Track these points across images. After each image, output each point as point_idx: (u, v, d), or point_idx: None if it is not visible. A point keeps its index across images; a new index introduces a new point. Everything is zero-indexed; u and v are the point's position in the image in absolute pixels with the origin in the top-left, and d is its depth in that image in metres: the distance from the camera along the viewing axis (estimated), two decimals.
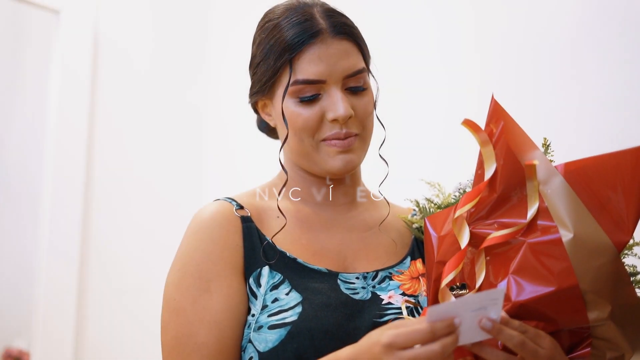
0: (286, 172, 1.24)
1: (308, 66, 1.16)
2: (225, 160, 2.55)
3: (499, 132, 1.03)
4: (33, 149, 2.28)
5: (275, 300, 1.14)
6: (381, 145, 1.26)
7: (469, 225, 1.06)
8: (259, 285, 1.15)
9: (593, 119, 1.66)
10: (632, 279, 1.07)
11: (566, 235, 0.97)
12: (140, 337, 2.25)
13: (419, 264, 1.25)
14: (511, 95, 1.80)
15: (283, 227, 1.20)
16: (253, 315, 1.14)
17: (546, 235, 0.99)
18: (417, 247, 1.28)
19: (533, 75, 1.76)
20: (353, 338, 1.09)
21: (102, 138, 2.36)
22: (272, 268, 1.17)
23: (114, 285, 2.32)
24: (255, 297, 1.15)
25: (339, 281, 1.18)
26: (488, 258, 1.05)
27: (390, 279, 1.21)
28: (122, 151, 2.42)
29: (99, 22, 2.39)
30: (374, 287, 1.20)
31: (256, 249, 1.18)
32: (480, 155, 1.06)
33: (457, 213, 1.05)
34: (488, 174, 1.04)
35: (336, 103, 1.16)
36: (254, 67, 1.24)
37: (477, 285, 1.05)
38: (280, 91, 1.19)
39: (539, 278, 0.98)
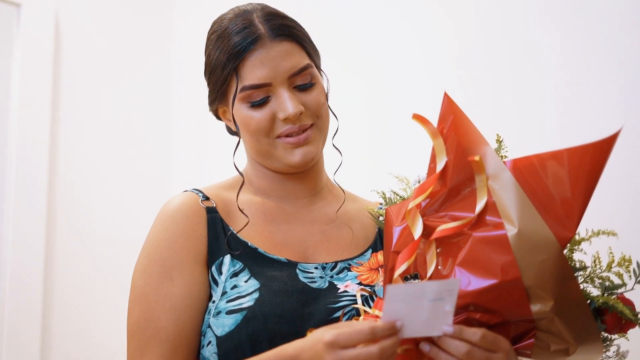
0: (242, 175, 1.29)
1: (252, 72, 1.20)
2: (193, 152, 2.56)
3: (449, 126, 1.06)
4: None
5: (234, 287, 1.18)
6: (334, 135, 1.31)
7: (422, 217, 1.09)
8: (220, 272, 1.20)
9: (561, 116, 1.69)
10: (581, 273, 1.10)
11: (511, 230, 1.00)
12: (108, 333, 2.27)
13: (379, 255, 1.29)
14: (491, 88, 1.82)
15: (246, 224, 1.25)
16: (214, 302, 1.18)
17: (492, 229, 1.01)
18: (381, 240, 1.32)
19: (518, 73, 1.78)
20: (306, 323, 1.14)
21: (65, 131, 2.35)
22: (233, 257, 1.21)
23: (81, 281, 2.32)
24: (217, 284, 1.19)
25: (297, 270, 1.23)
26: (439, 250, 1.08)
27: (349, 269, 1.26)
28: (86, 144, 2.41)
29: (59, 14, 2.37)
30: (331, 277, 1.24)
31: (219, 239, 1.22)
32: (433, 149, 1.08)
33: (410, 205, 1.08)
34: (439, 167, 1.06)
35: (284, 103, 1.21)
36: (207, 76, 1.29)
37: (428, 275, 1.07)
38: (230, 98, 1.24)
39: (483, 270, 1.01)
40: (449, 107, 1.07)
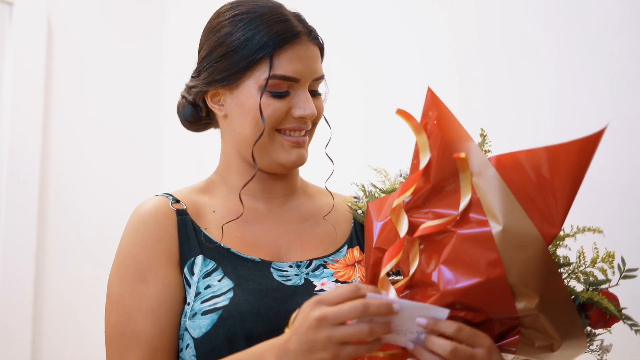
0: (256, 165, 1.24)
1: (288, 64, 1.20)
2: (185, 151, 2.54)
3: (432, 122, 1.04)
4: None
5: (208, 287, 1.17)
6: (327, 144, 1.31)
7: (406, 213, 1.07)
8: (192, 273, 1.19)
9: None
10: (566, 269, 1.09)
11: (495, 227, 0.98)
12: (99, 332, 2.24)
13: (356, 251, 1.28)
14: (488, 88, 1.83)
15: (239, 216, 1.25)
16: (189, 304, 1.17)
17: (476, 227, 1.00)
18: (356, 235, 1.31)
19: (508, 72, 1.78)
20: (283, 321, 1.12)
21: (56, 131, 2.33)
22: (205, 256, 1.20)
23: (72, 281, 2.30)
24: (189, 285, 1.18)
25: (271, 269, 1.21)
26: (422, 246, 1.06)
27: (325, 267, 1.24)
28: (78, 143, 2.39)
29: (52, 13, 2.36)
30: (307, 274, 1.22)
31: (190, 240, 1.21)
32: (416, 145, 1.06)
33: (395, 203, 1.06)
34: (422, 163, 1.04)
35: (306, 102, 1.22)
36: (218, 55, 1.24)
37: (411, 273, 1.06)
38: (249, 82, 1.22)
39: (467, 269, 0.99)
40: (433, 102, 1.04)
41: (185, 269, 1.19)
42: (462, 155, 0.99)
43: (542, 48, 1.71)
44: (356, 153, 2.00)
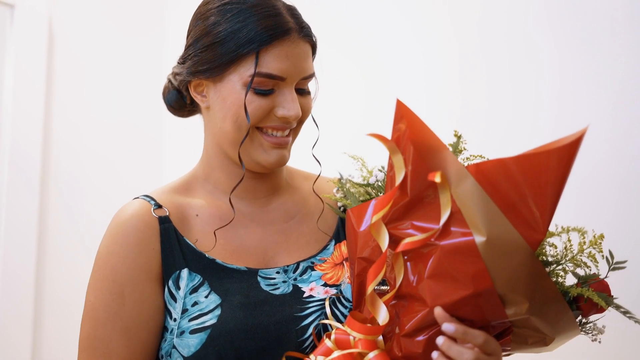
0: (243, 167, 1.19)
1: (274, 62, 1.14)
2: (185, 153, 2.49)
3: (404, 134, 0.99)
4: None
5: (195, 303, 1.14)
6: (314, 145, 1.25)
7: (386, 225, 1.04)
8: (178, 287, 1.15)
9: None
10: (552, 267, 1.07)
11: (479, 238, 0.95)
12: None
13: (343, 247, 1.24)
14: (488, 88, 1.79)
15: (230, 221, 1.20)
16: (175, 320, 1.14)
17: (459, 239, 0.97)
18: (343, 227, 1.26)
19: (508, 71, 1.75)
20: (273, 334, 1.11)
21: (57, 132, 2.30)
22: (191, 270, 1.16)
23: (72, 282, 2.27)
24: (175, 300, 1.15)
25: (258, 278, 1.17)
26: (406, 257, 1.03)
27: (312, 269, 1.21)
28: (79, 145, 2.37)
29: (53, 15, 2.31)
30: (295, 279, 1.19)
31: (174, 251, 1.17)
32: (390, 157, 1.02)
33: (373, 219, 1.02)
34: (398, 180, 1.00)
35: (291, 102, 1.16)
36: (204, 45, 1.18)
37: (397, 285, 1.04)
38: (233, 77, 1.16)
39: (454, 282, 0.97)
40: (402, 114, 0.99)
41: (170, 283, 1.15)
42: (437, 178, 0.94)
43: (543, 47, 1.67)
44: (353, 150, 1.98)
